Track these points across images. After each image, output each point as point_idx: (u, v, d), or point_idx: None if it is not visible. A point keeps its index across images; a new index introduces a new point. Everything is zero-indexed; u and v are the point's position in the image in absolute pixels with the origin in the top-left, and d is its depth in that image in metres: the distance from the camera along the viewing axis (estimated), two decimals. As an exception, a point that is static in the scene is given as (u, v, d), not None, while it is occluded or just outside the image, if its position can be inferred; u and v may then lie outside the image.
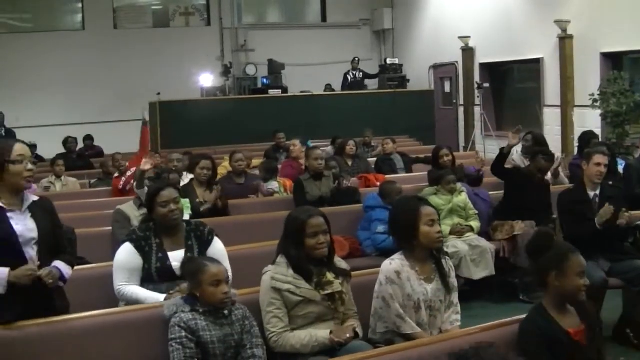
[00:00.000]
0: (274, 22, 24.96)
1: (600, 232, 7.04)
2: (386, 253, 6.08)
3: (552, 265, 4.33)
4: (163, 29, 22.97)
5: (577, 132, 13.59)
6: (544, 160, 9.13)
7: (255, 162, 12.27)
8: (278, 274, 4.93)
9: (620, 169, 10.00)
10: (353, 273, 5.36)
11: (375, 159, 13.33)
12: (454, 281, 5.24)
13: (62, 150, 15.79)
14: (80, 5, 22.28)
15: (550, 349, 4.15)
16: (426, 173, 10.62)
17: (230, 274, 5.28)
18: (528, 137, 10.81)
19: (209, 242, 5.75)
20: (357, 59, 22.09)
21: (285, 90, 20.63)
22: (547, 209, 8.90)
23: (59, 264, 4.82)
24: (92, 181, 12.50)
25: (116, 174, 11.69)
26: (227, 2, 23.26)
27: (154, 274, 5.52)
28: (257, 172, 10.94)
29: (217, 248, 5.77)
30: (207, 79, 21.96)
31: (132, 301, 5.43)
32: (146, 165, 8.08)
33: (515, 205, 8.89)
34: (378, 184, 10.06)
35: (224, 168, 11.05)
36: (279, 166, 11.49)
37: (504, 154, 9.00)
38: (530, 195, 8.87)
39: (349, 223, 8.69)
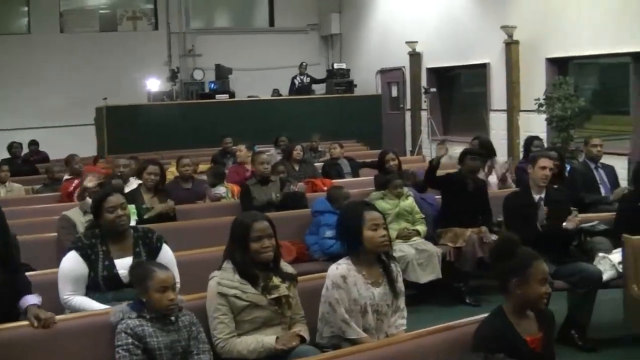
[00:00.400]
0: (222, 26, 24.94)
1: (545, 235, 7.14)
2: (334, 258, 6.10)
3: (514, 272, 4.32)
4: (110, 33, 22.82)
5: (523, 136, 13.75)
6: (470, 160, 9.23)
7: (202, 167, 12.23)
8: (224, 279, 4.93)
9: (565, 172, 10.13)
10: (301, 277, 5.37)
11: (322, 163, 13.35)
12: (401, 286, 5.27)
13: (7, 156, 15.59)
14: (26, 8, 22.06)
15: (506, 354, 4.16)
16: (371, 177, 10.68)
17: (178, 280, 5.27)
18: (475, 142, 10.91)
19: (157, 250, 5.69)
20: (304, 63, 22.13)
21: (232, 95, 20.64)
22: (486, 212, 9.02)
23: (31, 299, 4.83)
24: (37, 187, 12.35)
25: (67, 176, 11.57)
26: (174, 7, 23.17)
27: (101, 283, 5.42)
28: (204, 177, 10.91)
29: (167, 256, 5.69)
30: (155, 84, 21.85)
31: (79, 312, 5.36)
32: (89, 182, 8.02)
33: (454, 211, 8.99)
34: (325, 188, 10.09)
35: (171, 173, 11.01)
36: (226, 171, 11.48)
37: (433, 165, 9.08)
38: (466, 200, 8.97)
39: (296, 228, 8.71)
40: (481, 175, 10.34)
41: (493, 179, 10.63)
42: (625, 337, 7.17)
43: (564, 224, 7.20)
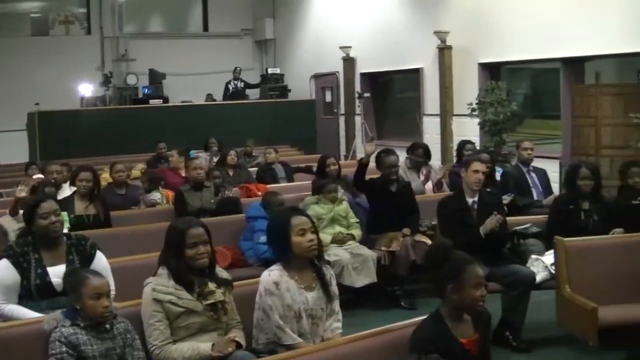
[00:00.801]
0: (156, 31, 24.74)
1: (480, 238, 7.22)
2: (269, 263, 6.07)
3: (449, 278, 4.33)
4: (42, 37, 22.46)
5: (456, 140, 13.88)
6: (384, 156, 9.26)
7: (135, 172, 12.13)
8: (159, 285, 4.89)
9: (498, 176, 10.23)
10: (236, 283, 5.35)
11: (256, 168, 13.34)
12: (335, 289, 5.27)
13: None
14: (-45, 12, 21.71)
15: (442, 357, 4.17)
16: (307, 182, 10.69)
17: (113, 288, 5.22)
18: (419, 151, 10.91)
19: (91, 257, 5.63)
20: (238, 68, 22.10)
21: (166, 100, 20.49)
22: (414, 212, 9.10)
23: None
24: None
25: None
26: (107, 11, 22.91)
27: (33, 291, 5.35)
28: (139, 182, 10.83)
29: (101, 263, 5.63)
30: (87, 89, 21.62)
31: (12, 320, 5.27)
32: (21, 193, 7.91)
33: (380, 213, 9.03)
34: (259, 193, 10.08)
35: (104, 180, 10.90)
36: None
37: (363, 163, 9.05)
38: (392, 201, 9.01)
39: (231, 233, 8.68)
40: (417, 181, 10.44)
41: (429, 185, 10.69)
42: (558, 337, 7.25)
43: (480, 227, 7.27)
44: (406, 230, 8.74)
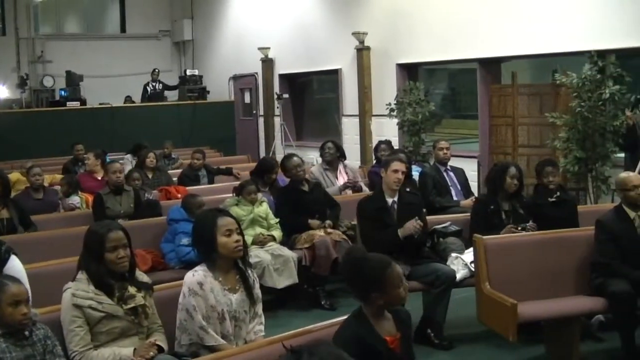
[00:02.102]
0: (73, 32, 24.48)
1: (398, 238, 7.29)
2: (190, 265, 6.06)
3: (371, 286, 4.29)
4: (-44, 38, 22.08)
5: (376, 140, 13.94)
6: (286, 160, 9.56)
7: (47, 177, 11.90)
8: (79, 290, 4.82)
9: (416, 175, 10.31)
10: (157, 286, 5.32)
11: (177, 170, 13.26)
12: (258, 292, 5.25)
13: None
14: None
15: (367, 356, 4.18)
16: (228, 184, 10.68)
17: (29, 293, 5.14)
18: (328, 145, 10.99)
19: (4, 261, 5.50)
20: (156, 70, 21.94)
21: (84, 102, 20.21)
22: (333, 207, 9.24)
23: None
24: None
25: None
26: (22, 12, 22.56)
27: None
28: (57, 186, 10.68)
29: (14, 267, 5.50)
30: (3, 91, 21.25)
31: None
32: None
33: (297, 214, 9.08)
34: (179, 196, 10.02)
35: (21, 183, 10.72)
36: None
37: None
38: (305, 200, 9.14)
39: (151, 236, 8.59)
40: (335, 187, 10.47)
41: (339, 182, 10.73)
42: (479, 333, 7.39)
43: (399, 230, 7.32)
44: (328, 223, 8.80)
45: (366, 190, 10.68)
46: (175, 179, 12.35)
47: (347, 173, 10.96)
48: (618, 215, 6.91)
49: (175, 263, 8.28)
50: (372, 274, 4.31)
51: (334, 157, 10.92)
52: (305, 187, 9.31)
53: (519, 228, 7.52)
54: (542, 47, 12.71)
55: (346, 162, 11.39)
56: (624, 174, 7.15)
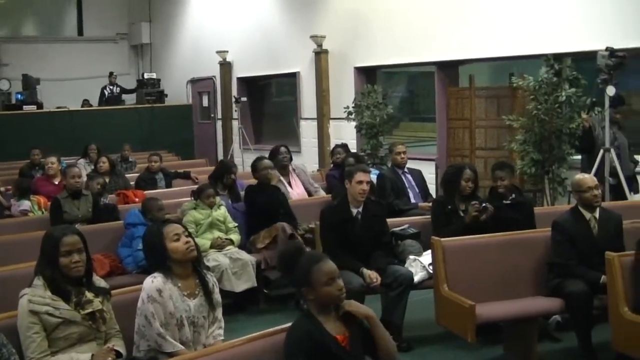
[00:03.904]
0: (29, 35, 24.25)
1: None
2: (148, 270, 6.03)
3: (300, 281, 4.36)
4: None
5: (333, 144, 13.95)
6: (259, 162, 9.63)
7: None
8: (35, 296, 4.77)
9: (375, 178, 10.33)
10: (115, 291, 5.29)
11: (134, 174, 13.20)
12: (218, 297, 5.24)
13: None
14: None
15: (318, 354, 4.18)
16: (186, 188, 10.65)
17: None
18: (281, 150, 10.93)
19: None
20: (114, 73, 21.81)
21: (40, 106, 20.05)
22: (287, 211, 9.24)
23: None
24: None
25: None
26: (-23, 14, 22.38)
27: None
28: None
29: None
30: (-42, 95, 21.02)
31: None
32: None
33: (256, 214, 9.11)
34: (137, 200, 9.97)
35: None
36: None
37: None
38: (266, 203, 9.16)
39: (108, 240, 8.55)
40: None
41: (293, 186, 10.71)
42: (437, 335, 7.42)
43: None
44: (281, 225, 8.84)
45: (322, 193, 10.74)
46: (132, 183, 12.29)
47: (298, 176, 10.91)
48: (574, 217, 6.98)
49: (133, 268, 8.25)
50: (301, 269, 4.37)
51: (288, 162, 10.90)
52: (269, 189, 9.39)
53: (482, 205, 7.62)
54: (500, 50, 12.80)
55: (295, 164, 11.33)
56: (579, 176, 7.22)
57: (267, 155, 10.49)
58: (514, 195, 8.08)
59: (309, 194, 10.75)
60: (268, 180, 9.42)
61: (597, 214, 6.95)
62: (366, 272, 7.15)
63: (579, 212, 6.98)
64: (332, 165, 12.03)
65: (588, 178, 7.11)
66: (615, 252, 6.29)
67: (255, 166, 9.75)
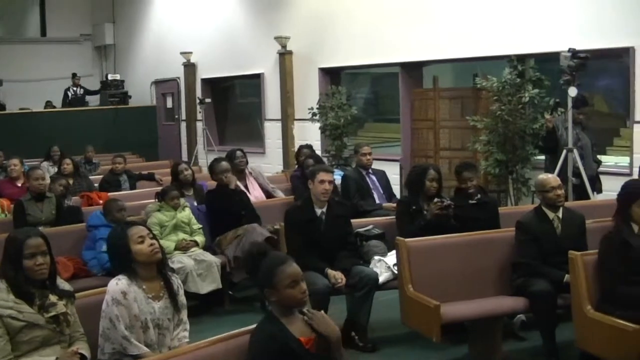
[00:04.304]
0: (-9, 35, 24.07)
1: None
2: (112, 272, 5.99)
3: (263, 282, 4.34)
4: None
5: (298, 145, 13.95)
6: (216, 164, 9.61)
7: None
8: (-2, 299, 4.75)
9: (339, 179, 10.33)
10: (80, 294, 5.25)
11: (98, 176, 13.12)
12: (182, 299, 5.22)
13: None
14: None
15: (282, 357, 4.17)
16: (150, 190, 10.63)
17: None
18: (237, 154, 10.85)
19: None
20: (77, 74, 21.68)
21: (3, 107, 19.96)
22: (250, 212, 9.22)
23: None
24: None
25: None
26: (-62, 14, 22.16)
27: None
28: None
29: None
30: None
31: None
32: None
33: (220, 216, 9.11)
34: (101, 202, 9.92)
35: None
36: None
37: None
38: (232, 203, 9.15)
39: (73, 243, 8.50)
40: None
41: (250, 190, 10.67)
42: (403, 335, 7.46)
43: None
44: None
45: (280, 194, 10.75)
46: (96, 184, 12.22)
47: (256, 179, 10.86)
48: (538, 216, 7.02)
49: (98, 270, 8.20)
50: (264, 271, 4.36)
51: (245, 166, 10.83)
52: (233, 185, 9.40)
53: (444, 203, 7.67)
54: (463, 51, 12.87)
55: (251, 167, 11.28)
56: (542, 176, 7.27)
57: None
58: (479, 196, 8.12)
59: (269, 195, 10.72)
60: (225, 183, 9.37)
61: (560, 214, 7.00)
62: (331, 272, 7.15)
63: (543, 212, 7.02)
64: (296, 166, 12.03)
65: (551, 178, 7.16)
66: (578, 251, 6.33)
67: (212, 168, 9.73)
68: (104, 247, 7.80)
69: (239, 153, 10.71)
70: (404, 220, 7.93)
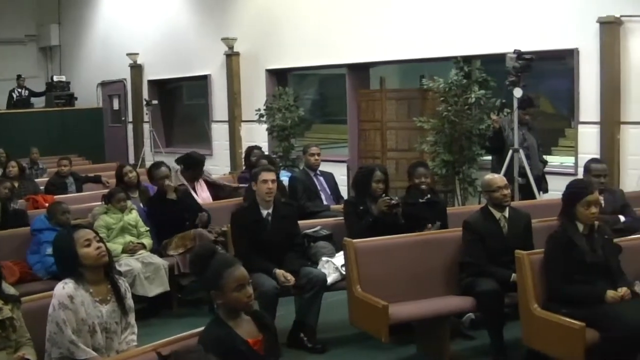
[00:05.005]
0: None
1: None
2: (58, 276, 5.94)
3: (210, 284, 4.34)
4: None
5: (245, 146, 13.92)
6: (155, 170, 9.53)
7: None
8: (-58, 305, 4.69)
9: (286, 181, 10.34)
10: (26, 298, 5.20)
11: (44, 179, 12.99)
12: (130, 302, 5.19)
13: None
14: None
15: (231, 358, 4.17)
16: (96, 192, 10.54)
17: None
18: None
19: None
20: (22, 76, 21.44)
21: (-54, 108, 19.67)
22: (196, 217, 9.18)
23: None
24: None
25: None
26: None
27: None
28: None
29: None
30: None
31: None
32: None
33: (164, 220, 9.06)
34: (47, 205, 9.81)
35: None
36: None
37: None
38: (175, 210, 9.09)
39: (19, 247, 8.41)
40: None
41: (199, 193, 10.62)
42: (351, 336, 7.46)
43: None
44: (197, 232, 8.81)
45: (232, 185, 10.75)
46: (42, 187, 12.09)
47: (205, 181, 10.80)
48: (484, 216, 7.08)
49: (43, 274, 8.11)
50: (211, 273, 4.35)
51: (198, 174, 10.75)
52: (173, 196, 9.24)
53: (392, 201, 7.72)
54: (410, 52, 12.95)
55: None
56: (489, 176, 7.33)
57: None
58: (429, 195, 8.17)
59: (223, 188, 10.71)
60: (165, 189, 9.30)
61: (506, 213, 7.06)
62: (279, 272, 7.14)
63: (489, 211, 7.08)
64: (244, 168, 12.00)
65: (497, 178, 7.22)
66: (525, 250, 6.40)
67: (151, 174, 9.63)
68: (49, 251, 7.76)
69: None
70: (351, 220, 7.95)
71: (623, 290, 5.87)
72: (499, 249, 6.83)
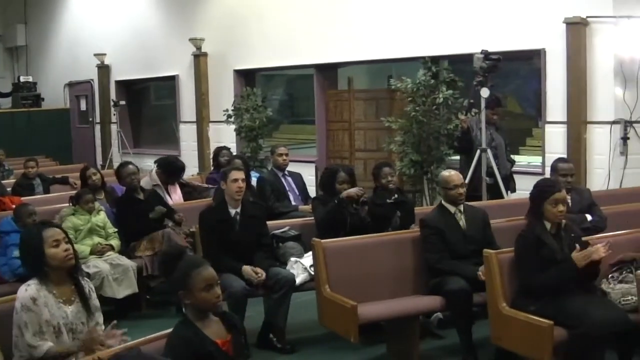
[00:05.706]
0: None
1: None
2: (24, 278, 5.88)
3: (178, 284, 4.32)
4: None
5: (213, 147, 13.88)
6: (123, 168, 9.48)
7: None
8: None
9: (255, 181, 10.32)
10: (-10, 301, 5.16)
11: (11, 180, 12.89)
12: (95, 302, 5.16)
13: None
14: None
15: (199, 359, 4.16)
16: (64, 194, 10.47)
17: None
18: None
19: None
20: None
21: None
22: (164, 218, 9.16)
23: None
24: None
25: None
26: None
27: None
28: None
29: None
30: None
31: None
32: None
33: (132, 224, 8.99)
34: (14, 206, 9.74)
35: None
36: None
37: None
38: (144, 209, 9.05)
39: (-16, 250, 8.34)
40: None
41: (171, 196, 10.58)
42: (321, 336, 7.47)
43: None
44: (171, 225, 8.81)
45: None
46: (9, 189, 11.99)
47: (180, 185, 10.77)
48: (441, 212, 7.19)
49: (10, 276, 8.04)
50: (179, 273, 4.35)
51: (175, 179, 10.71)
52: (141, 196, 9.22)
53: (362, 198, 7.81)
54: (378, 52, 12.98)
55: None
56: (446, 173, 7.36)
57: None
58: (397, 195, 8.19)
59: (199, 190, 10.70)
60: (134, 186, 9.27)
61: (461, 208, 7.15)
62: (246, 268, 7.15)
63: (444, 207, 7.18)
64: (212, 168, 11.97)
65: (455, 176, 7.24)
66: (485, 243, 6.48)
67: (119, 173, 9.57)
68: (15, 253, 7.71)
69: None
70: (319, 210, 7.96)
71: (585, 251, 5.93)
72: (458, 242, 6.95)
